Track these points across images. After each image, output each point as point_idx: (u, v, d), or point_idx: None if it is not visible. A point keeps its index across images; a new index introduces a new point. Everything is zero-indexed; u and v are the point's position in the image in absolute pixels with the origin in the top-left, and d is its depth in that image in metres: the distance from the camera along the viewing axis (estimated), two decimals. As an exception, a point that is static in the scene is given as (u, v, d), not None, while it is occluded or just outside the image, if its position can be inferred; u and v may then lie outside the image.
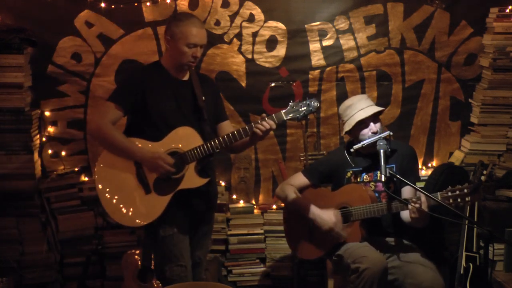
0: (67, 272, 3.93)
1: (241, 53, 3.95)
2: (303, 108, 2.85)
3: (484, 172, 3.54)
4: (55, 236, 3.89)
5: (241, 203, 4.10)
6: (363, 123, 3.14)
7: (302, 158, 4.01)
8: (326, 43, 3.96)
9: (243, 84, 4.00)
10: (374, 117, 3.16)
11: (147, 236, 3.07)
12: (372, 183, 3.19)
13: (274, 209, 4.10)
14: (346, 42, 3.97)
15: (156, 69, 2.93)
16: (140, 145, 2.87)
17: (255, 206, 4.12)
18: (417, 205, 2.86)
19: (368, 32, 3.97)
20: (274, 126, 2.83)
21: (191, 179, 2.87)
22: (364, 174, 3.21)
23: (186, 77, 2.97)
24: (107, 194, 2.89)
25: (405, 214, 3.03)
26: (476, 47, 4.01)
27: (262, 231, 4.06)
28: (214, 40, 3.91)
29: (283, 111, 2.86)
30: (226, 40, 3.93)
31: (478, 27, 3.98)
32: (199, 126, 2.92)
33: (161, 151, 2.85)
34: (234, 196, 4.11)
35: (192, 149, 2.86)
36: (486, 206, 3.73)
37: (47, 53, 3.82)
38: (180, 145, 2.87)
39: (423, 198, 2.87)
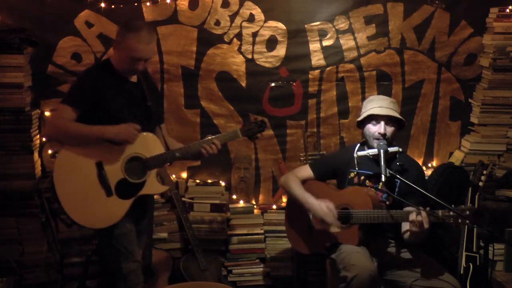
0: (67, 272, 3.92)
1: (241, 53, 3.95)
2: (255, 128, 3.05)
3: (484, 172, 3.55)
4: (55, 236, 3.89)
5: (241, 203, 4.10)
6: (374, 119, 3.13)
7: (302, 158, 4.01)
8: (326, 43, 3.96)
9: (243, 84, 4.00)
10: (389, 121, 3.14)
11: (99, 233, 3.01)
12: (373, 189, 3.16)
13: (274, 209, 4.10)
14: (346, 42, 3.97)
15: (108, 70, 2.89)
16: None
17: (255, 206, 4.12)
18: (419, 218, 2.83)
19: (368, 32, 3.97)
20: (219, 148, 2.97)
21: (153, 186, 2.93)
22: (366, 178, 3.19)
23: (135, 78, 2.96)
24: (67, 194, 2.82)
25: (406, 232, 3.03)
26: (476, 47, 4.01)
27: (262, 231, 4.06)
28: (214, 40, 3.91)
29: (239, 128, 3.03)
30: (226, 40, 3.93)
31: (478, 27, 3.98)
32: (150, 129, 2.95)
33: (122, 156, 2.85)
34: (234, 196, 4.11)
35: (155, 156, 2.89)
36: (486, 206, 3.73)
37: (47, 53, 3.82)
38: (141, 151, 2.88)
39: (423, 213, 2.84)
